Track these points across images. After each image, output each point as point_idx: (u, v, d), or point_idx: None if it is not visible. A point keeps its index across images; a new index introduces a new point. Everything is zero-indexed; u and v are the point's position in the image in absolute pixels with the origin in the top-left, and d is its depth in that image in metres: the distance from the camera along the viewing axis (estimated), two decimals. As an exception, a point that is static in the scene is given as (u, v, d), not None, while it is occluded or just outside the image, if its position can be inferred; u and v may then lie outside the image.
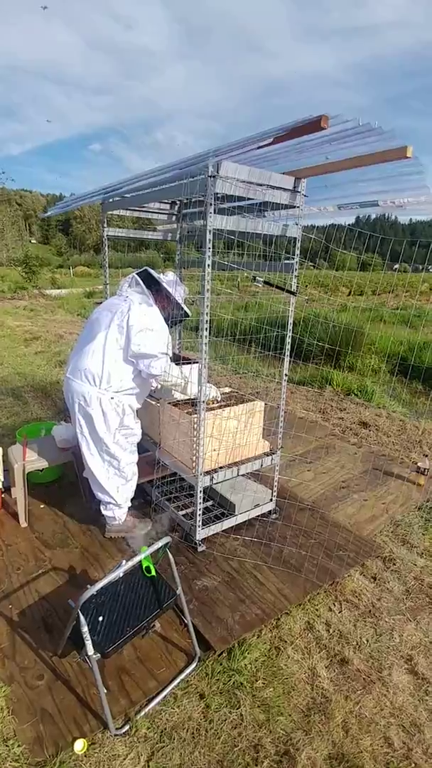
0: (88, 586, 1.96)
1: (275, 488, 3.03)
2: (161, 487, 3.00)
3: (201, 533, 2.66)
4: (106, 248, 3.42)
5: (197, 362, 2.94)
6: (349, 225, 2.67)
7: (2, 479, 2.96)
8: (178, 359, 2.89)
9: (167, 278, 2.58)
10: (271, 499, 3.03)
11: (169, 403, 2.84)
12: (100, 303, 2.69)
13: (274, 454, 2.90)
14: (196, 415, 2.48)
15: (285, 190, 2.43)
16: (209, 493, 3.03)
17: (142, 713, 1.74)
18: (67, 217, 70.40)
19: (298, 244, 2.55)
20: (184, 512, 2.88)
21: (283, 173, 2.41)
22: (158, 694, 1.81)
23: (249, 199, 2.40)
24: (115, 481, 2.65)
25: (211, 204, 2.10)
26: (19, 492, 2.84)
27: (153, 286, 2.53)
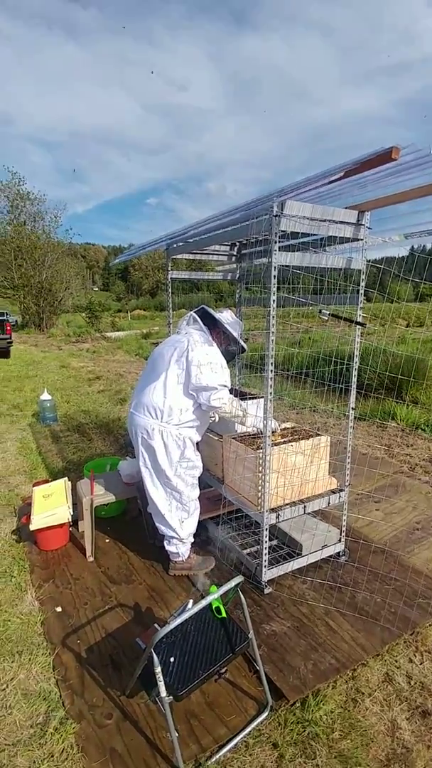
0: (156, 625, 1.94)
1: (344, 528, 2.89)
2: (226, 523, 2.96)
3: (267, 574, 2.56)
4: (170, 290, 3.58)
5: (257, 397, 2.95)
6: (406, 256, 2.64)
7: (72, 512, 3.04)
8: (243, 396, 2.91)
9: (224, 315, 2.66)
10: (340, 540, 2.88)
11: (232, 438, 2.84)
12: (157, 344, 2.80)
13: (342, 491, 2.78)
14: (260, 451, 2.46)
15: (348, 223, 2.45)
16: (273, 531, 2.93)
17: (213, 759, 1.66)
18: (125, 266, 74.85)
19: (364, 276, 2.54)
20: (248, 551, 2.80)
21: (346, 208, 2.43)
22: (229, 741, 1.72)
23: (313, 234, 2.44)
24: (178, 515, 2.65)
25: (275, 242, 2.16)
26: (87, 526, 2.90)
27: (209, 322, 2.61)
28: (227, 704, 1.89)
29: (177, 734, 1.58)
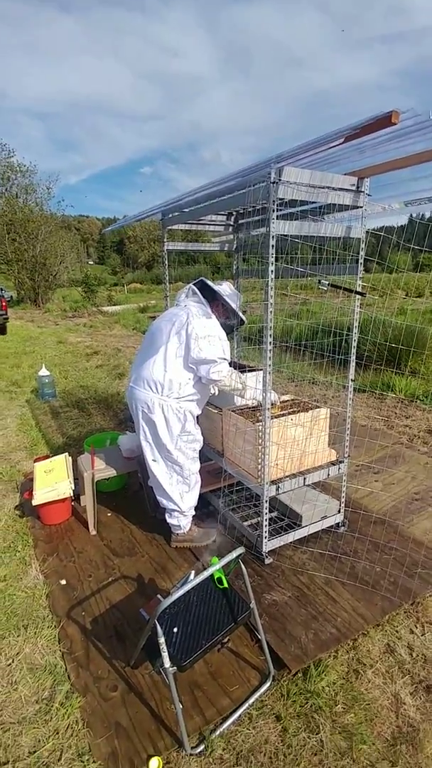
0: (159, 596, 1.95)
1: (343, 499, 2.91)
2: (226, 496, 2.97)
3: (268, 545, 2.59)
4: (167, 262, 3.49)
5: (256, 370, 2.91)
6: (405, 224, 2.56)
7: (73, 487, 3.05)
8: (242, 368, 2.88)
9: (223, 287, 2.61)
10: (339, 511, 2.90)
11: (232, 411, 2.82)
12: (155, 317, 2.75)
13: (341, 462, 2.79)
14: (260, 423, 2.44)
15: (348, 190, 2.36)
16: (273, 503, 2.95)
17: (217, 732, 1.69)
18: (120, 238, 73.44)
19: (363, 245, 2.47)
20: (248, 523, 2.83)
21: (345, 174, 2.34)
22: (233, 713, 1.76)
23: (311, 202, 2.35)
24: (179, 488, 2.66)
25: (273, 210, 2.08)
26: (89, 500, 2.92)
27: (208, 295, 2.56)
28: (230, 674, 1.93)
29: (181, 706, 1.61)
